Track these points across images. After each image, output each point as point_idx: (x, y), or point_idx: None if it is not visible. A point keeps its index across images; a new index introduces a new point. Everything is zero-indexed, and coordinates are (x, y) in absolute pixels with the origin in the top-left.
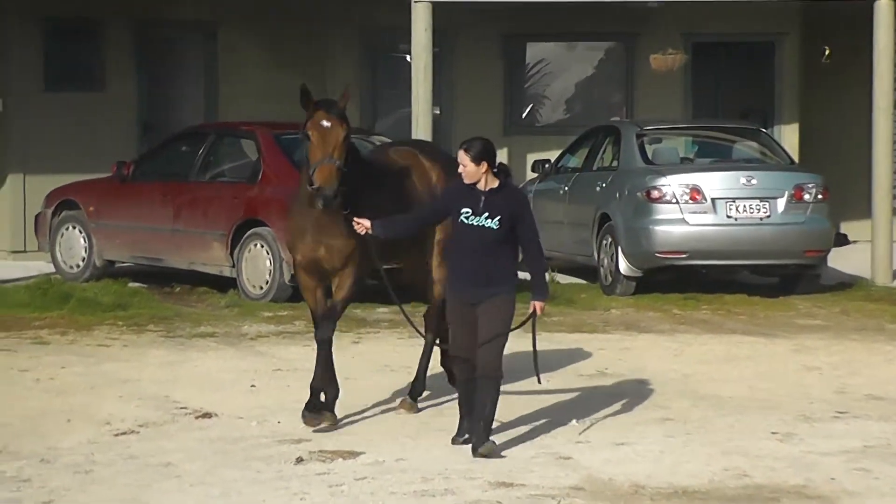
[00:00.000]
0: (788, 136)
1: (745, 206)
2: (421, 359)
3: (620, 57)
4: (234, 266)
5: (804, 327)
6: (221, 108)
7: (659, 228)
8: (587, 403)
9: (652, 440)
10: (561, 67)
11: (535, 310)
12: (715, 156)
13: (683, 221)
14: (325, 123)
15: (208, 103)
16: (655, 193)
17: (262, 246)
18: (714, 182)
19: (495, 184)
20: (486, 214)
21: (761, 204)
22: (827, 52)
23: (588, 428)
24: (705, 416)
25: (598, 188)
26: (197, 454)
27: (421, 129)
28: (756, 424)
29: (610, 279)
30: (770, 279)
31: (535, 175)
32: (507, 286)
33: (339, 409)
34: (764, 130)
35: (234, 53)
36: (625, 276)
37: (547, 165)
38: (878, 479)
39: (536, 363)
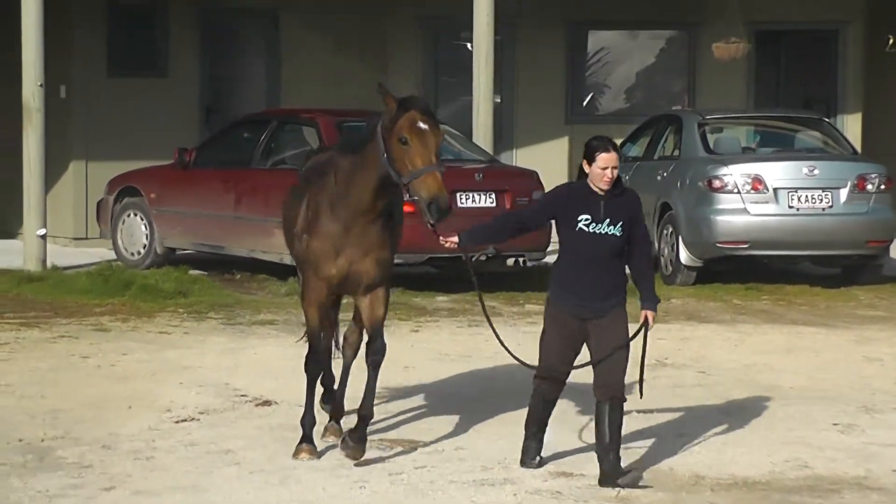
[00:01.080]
0: (851, 126)
1: (807, 196)
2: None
3: (682, 45)
4: None
5: (866, 318)
6: (283, 94)
7: (720, 218)
8: (647, 393)
9: (712, 431)
10: (623, 56)
11: (647, 319)
12: (777, 145)
13: (745, 211)
14: (423, 126)
15: (270, 89)
16: (717, 183)
17: None
18: (776, 172)
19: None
20: (608, 221)
21: (823, 194)
22: (891, 41)
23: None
24: (766, 407)
25: (659, 177)
26: (257, 441)
27: (482, 117)
28: (817, 415)
29: (670, 269)
30: (832, 270)
31: None
32: (622, 297)
33: (399, 398)
34: (826, 120)
35: (296, 39)
36: (685, 265)
37: None
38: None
39: (642, 377)
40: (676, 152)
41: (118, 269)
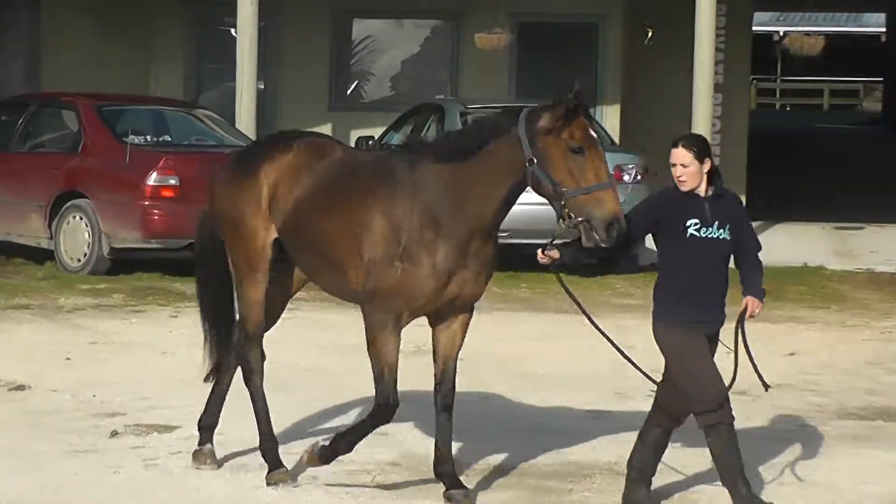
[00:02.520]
0: (610, 117)
1: None
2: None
3: (447, 35)
4: (51, 238)
5: (621, 306)
6: (44, 77)
7: None
8: (405, 380)
9: (469, 418)
10: (388, 44)
11: (746, 305)
12: None
13: None
14: (594, 135)
15: (30, 73)
16: None
17: (81, 218)
18: None
19: (710, 189)
20: (717, 224)
21: None
22: (650, 35)
23: None
24: (523, 394)
25: None
26: (9, 426)
27: (245, 102)
28: (572, 402)
29: None
30: (589, 259)
31: None
32: (744, 317)
33: (156, 383)
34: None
35: (56, 22)
36: None
37: (371, 142)
38: (690, 455)
39: (756, 369)
40: None
41: None
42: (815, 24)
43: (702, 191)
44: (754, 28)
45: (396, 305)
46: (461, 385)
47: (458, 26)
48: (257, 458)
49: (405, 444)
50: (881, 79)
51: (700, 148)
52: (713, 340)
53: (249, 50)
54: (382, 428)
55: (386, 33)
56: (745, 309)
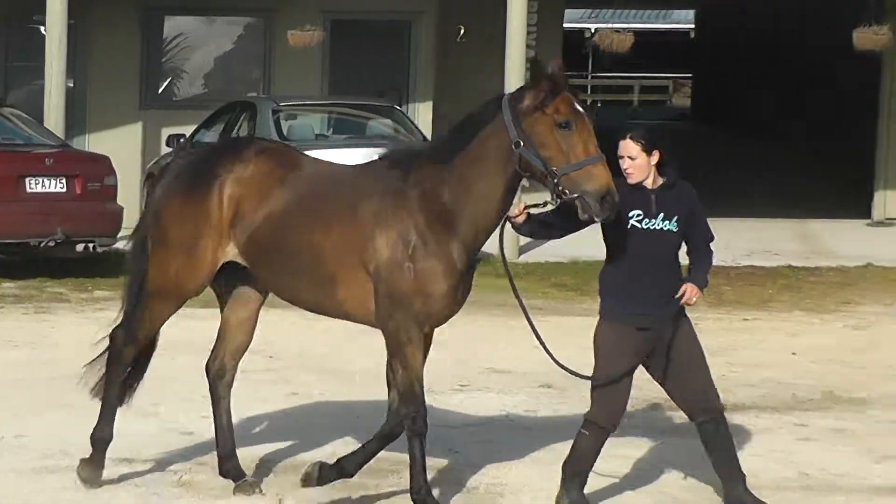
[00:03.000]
0: (423, 114)
1: None
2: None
3: (259, 32)
4: None
5: None
6: None
7: None
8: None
9: (278, 416)
10: (200, 42)
11: (685, 290)
12: (350, 133)
13: None
14: (580, 109)
15: None
16: None
17: None
18: (348, 159)
19: (661, 180)
20: (662, 215)
21: None
22: (462, 32)
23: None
24: (330, 391)
25: None
26: None
27: (54, 100)
28: (380, 398)
29: None
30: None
31: (170, 149)
32: (678, 304)
33: None
34: (398, 108)
35: None
36: None
37: (183, 140)
38: (499, 451)
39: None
40: None
41: None
42: (625, 20)
43: (649, 183)
44: (565, 25)
45: (415, 311)
46: (272, 381)
47: (270, 24)
48: (62, 459)
49: (213, 443)
50: (690, 74)
51: (648, 140)
52: (665, 344)
53: (59, 47)
54: (189, 427)
55: (198, 31)
56: (682, 295)
